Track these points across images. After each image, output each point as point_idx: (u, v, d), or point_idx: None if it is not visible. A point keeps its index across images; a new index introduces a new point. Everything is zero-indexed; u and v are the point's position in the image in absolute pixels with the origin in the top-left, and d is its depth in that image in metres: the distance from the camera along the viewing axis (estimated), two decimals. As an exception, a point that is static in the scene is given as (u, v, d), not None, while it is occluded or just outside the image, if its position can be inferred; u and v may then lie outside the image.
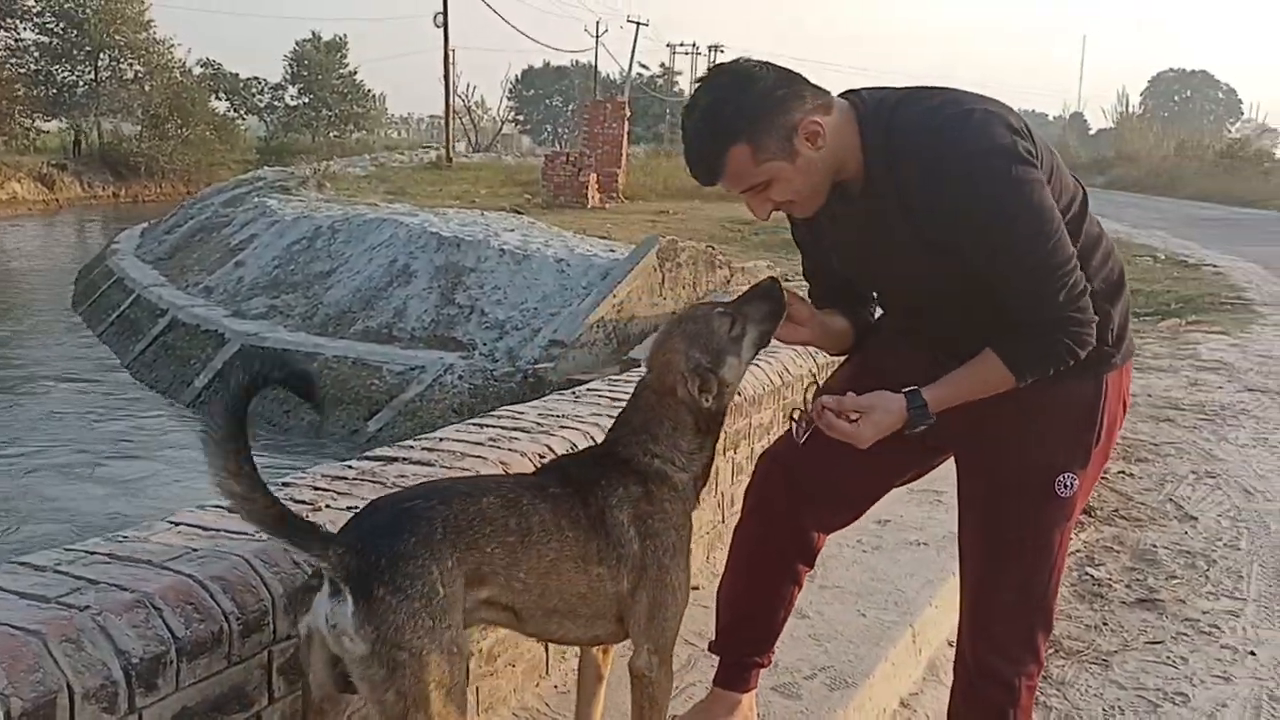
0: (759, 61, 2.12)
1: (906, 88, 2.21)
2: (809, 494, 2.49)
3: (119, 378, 14.85)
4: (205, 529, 2.16)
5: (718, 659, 2.71)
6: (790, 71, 2.12)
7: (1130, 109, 59.31)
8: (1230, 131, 64.94)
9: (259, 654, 1.98)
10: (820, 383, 2.56)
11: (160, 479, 10.62)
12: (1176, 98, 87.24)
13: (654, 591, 2.16)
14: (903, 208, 2.11)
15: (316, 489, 2.48)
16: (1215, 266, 15.97)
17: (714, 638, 2.74)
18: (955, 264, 2.13)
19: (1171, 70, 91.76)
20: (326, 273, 15.44)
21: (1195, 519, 5.01)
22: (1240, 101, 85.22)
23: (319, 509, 2.32)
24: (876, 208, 2.15)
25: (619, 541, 2.12)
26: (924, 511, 4.36)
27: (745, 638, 2.67)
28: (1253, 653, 3.66)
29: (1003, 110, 2.11)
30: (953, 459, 2.47)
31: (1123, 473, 5.68)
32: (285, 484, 2.51)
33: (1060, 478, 2.27)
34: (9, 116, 40.39)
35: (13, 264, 24.96)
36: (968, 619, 2.45)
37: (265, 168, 30.30)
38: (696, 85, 2.20)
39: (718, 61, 2.30)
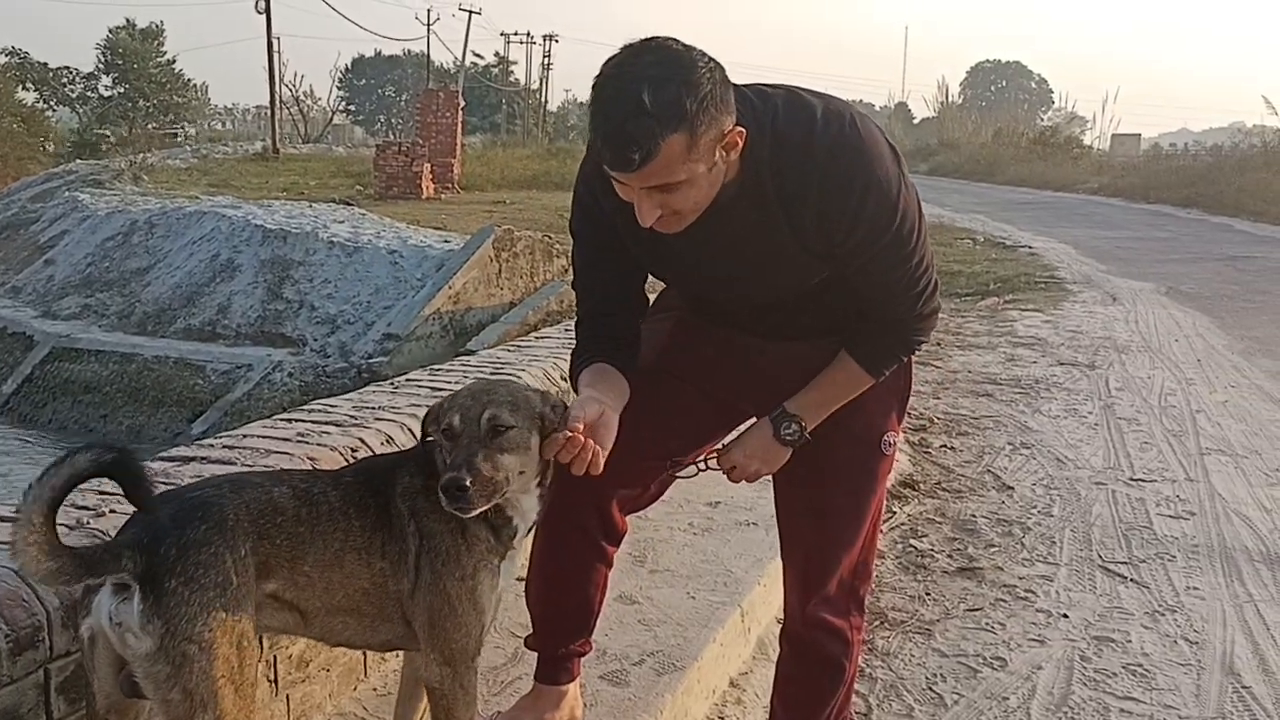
0: (696, 48, 1.93)
1: (775, 90, 2.10)
2: (610, 484, 2.42)
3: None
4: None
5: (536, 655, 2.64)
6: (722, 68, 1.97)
7: (950, 98, 61.65)
8: (1043, 119, 68.18)
9: (34, 673, 1.83)
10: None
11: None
12: (993, 87, 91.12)
13: (429, 597, 2.03)
14: (784, 218, 2.06)
15: (102, 494, 2.30)
16: (1030, 248, 16.73)
17: (529, 633, 2.66)
18: (826, 269, 2.13)
19: (988, 61, 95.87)
20: (144, 269, 14.79)
21: (1012, 489, 5.20)
22: (1051, 91, 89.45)
23: (102, 514, 2.16)
24: (747, 215, 2.08)
25: (400, 535, 2.02)
26: (754, 492, 4.36)
27: (560, 629, 2.60)
28: (1065, 615, 3.81)
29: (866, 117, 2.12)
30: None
31: (945, 446, 5.86)
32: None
33: (885, 437, 2.38)
34: None
35: None
36: (798, 582, 2.47)
37: (77, 161, 28.72)
38: (631, 52, 1.91)
39: (628, 42, 1.97)
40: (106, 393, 12.53)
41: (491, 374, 3.66)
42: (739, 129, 1.94)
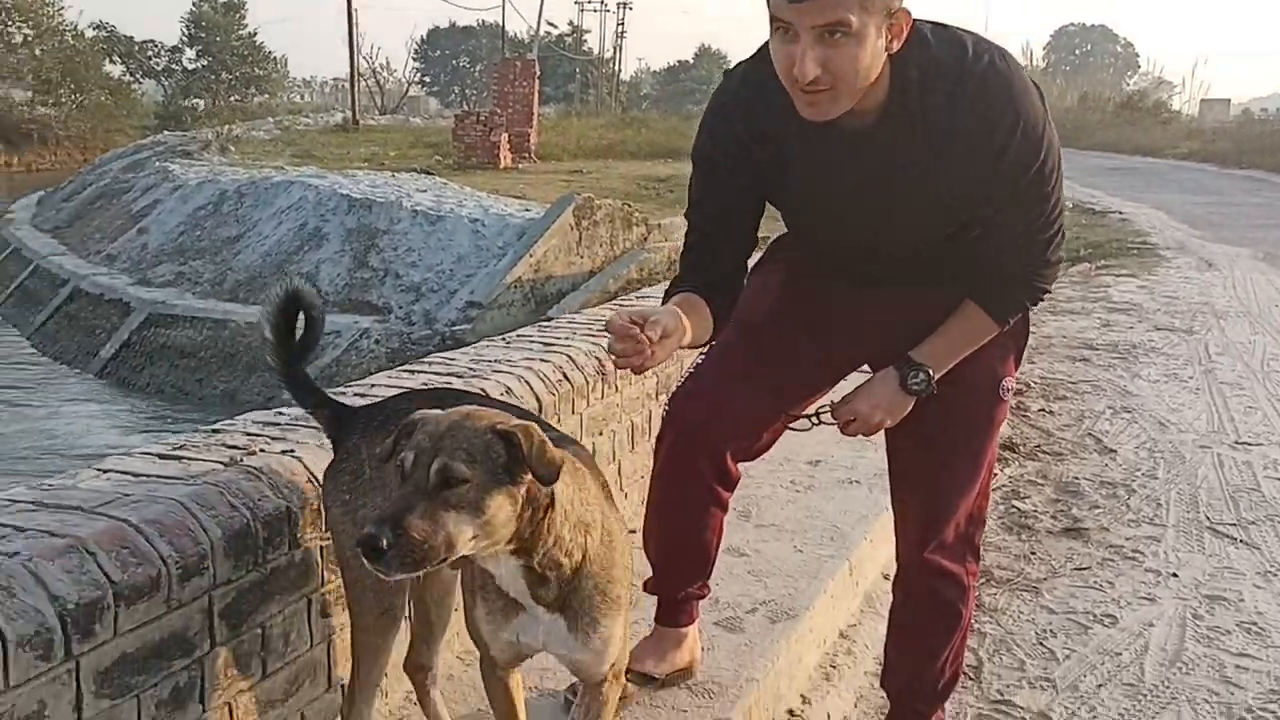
0: None
1: (921, 20, 2.07)
2: (719, 425, 2.46)
3: (19, 349, 14.37)
4: (136, 475, 2.07)
5: (656, 598, 2.70)
6: None
7: (1035, 63, 60.34)
8: (1129, 84, 66.50)
9: (199, 598, 1.91)
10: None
11: (71, 441, 10.35)
12: (1078, 51, 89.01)
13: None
14: (927, 147, 2.05)
15: (249, 434, 2.40)
16: (1121, 213, 16.39)
17: (648, 577, 2.72)
18: (963, 210, 2.13)
19: (1073, 25, 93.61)
20: (235, 238, 15.09)
21: (1114, 452, 5.14)
22: (1137, 55, 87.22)
23: (253, 453, 2.24)
24: (889, 143, 2.07)
25: None
26: (854, 451, 4.39)
27: (679, 572, 2.65)
28: (1175, 575, 3.78)
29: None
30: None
31: (1043, 410, 5.81)
32: (215, 430, 2.43)
33: (1003, 382, 2.38)
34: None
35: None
36: (913, 529, 2.47)
37: (165, 132, 29.35)
38: None
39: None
40: (201, 358, 12.85)
41: (598, 331, 3.70)
42: (907, 17, 1.95)
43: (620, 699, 2.51)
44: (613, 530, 1.89)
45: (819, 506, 3.87)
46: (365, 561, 1.57)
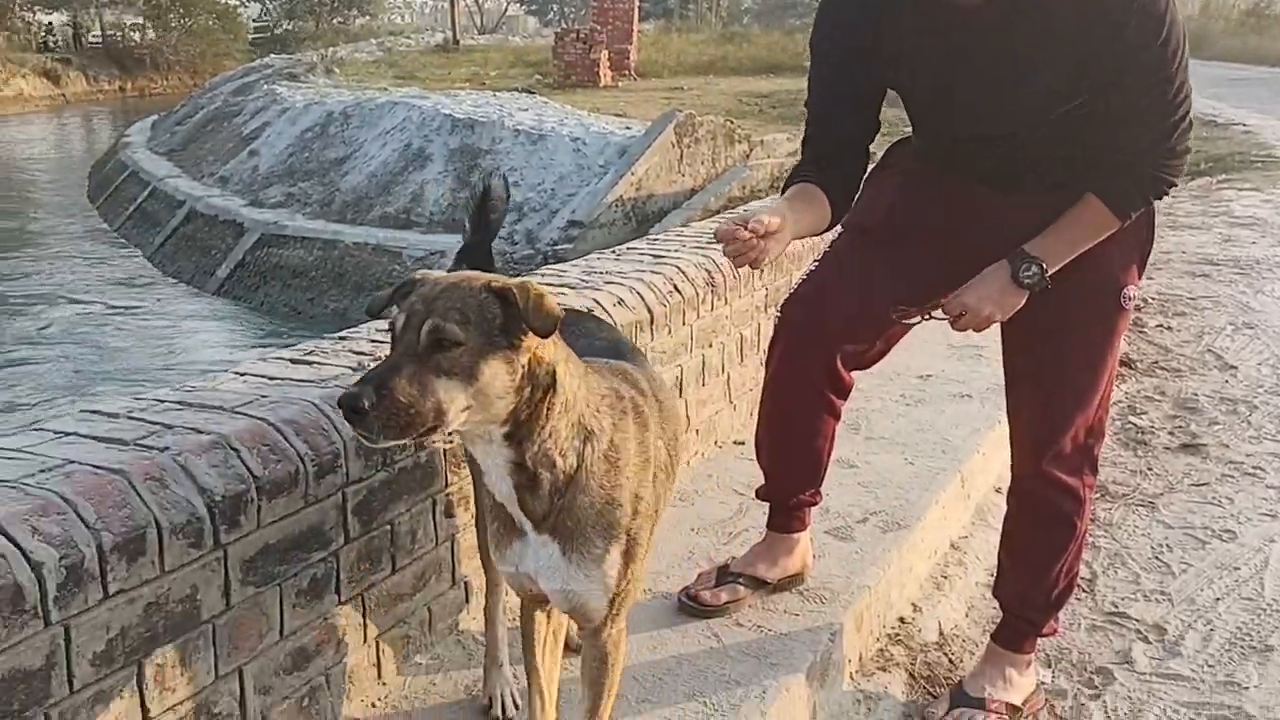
0: None
1: None
2: (833, 329, 2.46)
3: (140, 268, 14.90)
4: (271, 378, 2.16)
5: (768, 505, 2.73)
6: None
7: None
8: (1256, -10, 62.94)
9: (333, 495, 2.00)
10: None
11: (190, 356, 10.73)
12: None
13: None
14: (1042, 19, 2.02)
15: (373, 341, 2.48)
16: (1244, 126, 15.65)
17: (760, 484, 2.75)
18: (1079, 88, 2.07)
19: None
20: (341, 159, 15.32)
21: (1235, 368, 4.99)
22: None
23: (378, 359, 2.31)
24: (1001, 23, 2.05)
25: None
26: (966, 366, 4.35)
27: (791, 479, 2.67)
28: (1298, 492, 3.69)
29: None
30: None
31: (1161, 326, 5.65)
32: (342, 337, 2.51)
33: (1125, 290, 2.30)
34: (9, 10, 39.62)
35: (27, 160, 24.82)
36: (1029, 439, 2.43)
37: (272, 55, 29.77)
38: None
39: None
40: (312, 277, 13.16)
41: (707, 243, 3.70)
42: None
43: (730, 602, 2.57)
44: (624, 450, 1.73)
45: (930, 420, 3.84)
46: (348, 425, 1.48)
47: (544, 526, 1.69)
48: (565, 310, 2.10)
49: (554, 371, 1.60)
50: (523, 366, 1.55)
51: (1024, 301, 2.23)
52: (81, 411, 1.96)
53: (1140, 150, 2.13)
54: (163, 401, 1.99)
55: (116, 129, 25.85)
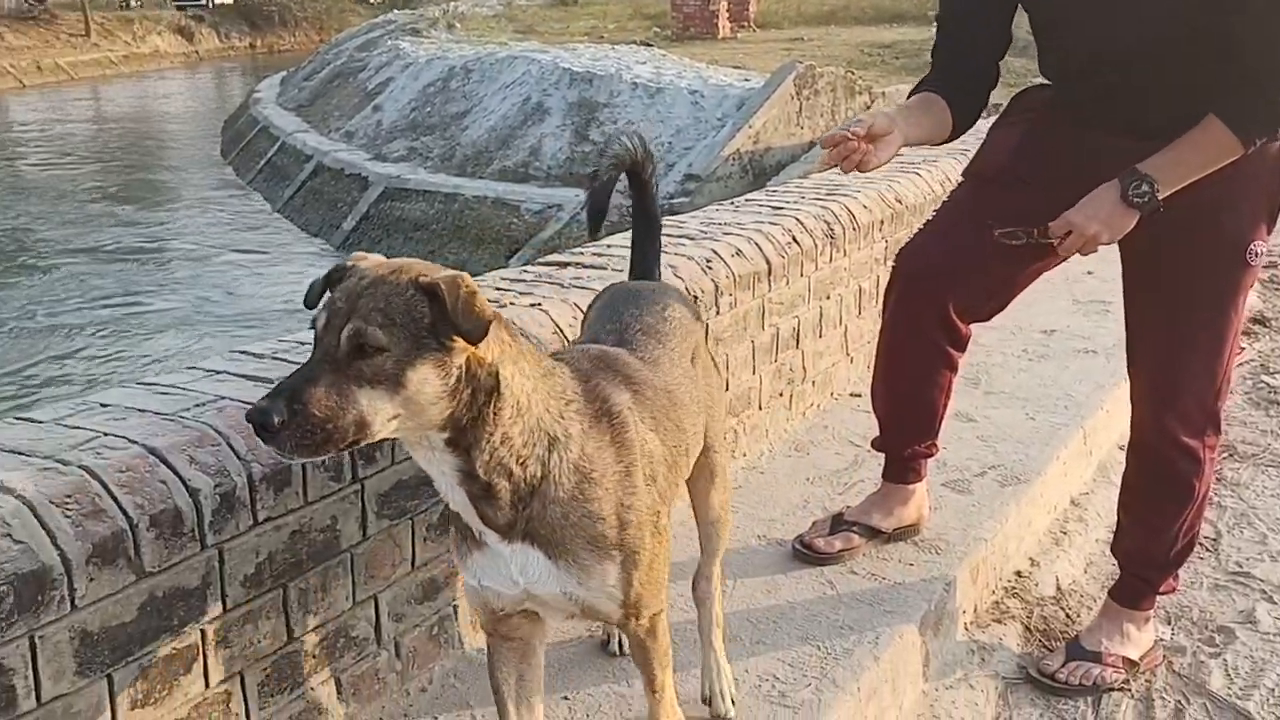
0: None
1: None
2: (945, 278, 2.45)
3: (270, 219, 15.40)
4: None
5: (883, 456, 2.74)
6: None
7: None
8: None
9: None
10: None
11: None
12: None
13: None
14: None
15: (498, 289, 2.55)
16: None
17: (876, 435, 2.76)
18: (1204, 4, 2.03)
19: None
20: (462, 113, 15.51)
21: (1379, 327, 4.79)
22: None
23: (504, 306, 2.39)
24: None
25: None
26: (1092, 321, 4.26)
27: (906, 430, 2.67)
28: None
29: None
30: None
31: (1299, 283, 5.44)
32: (468, 285, 2.58)
33: (1252, 245, 2.23)
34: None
35: (164, 116, 25.79)
36: (1150, 396, 2.39)
37: (394, 11, 30.22)
38: None
39: None
40: (433, 230, 13.41)
41: (826, 195, 3.69)
42: None
43: (844, 550, 2.60)
44: (599, 460, 1.55)
45: (1053, 375, 3.79)
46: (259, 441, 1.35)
47: (514, 535, 1.52)
48: (622, 286, 2.11)
49: (496, 373, 1.44)
50: (458, 369, 1.40)
51: (1133, 223, 2.14)
52: (230, 352, 2.07)
53: (1266, 71, 2.03)
54: (304, 344, 2.09)
55: (247, 85, 26.60)
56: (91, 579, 1.47)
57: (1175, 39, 2.10)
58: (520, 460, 1.48)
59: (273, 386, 1.34)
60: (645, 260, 2.23)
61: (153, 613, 1.57)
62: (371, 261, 1.44)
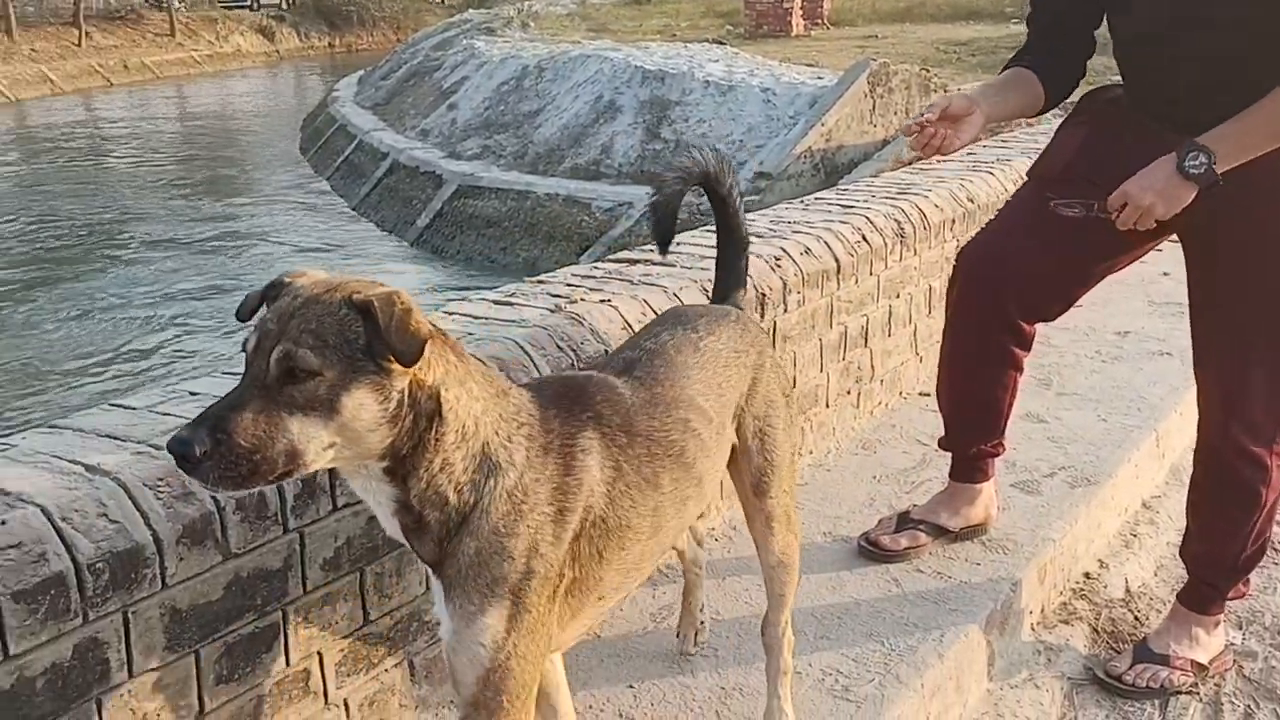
0: None
1: None
2: (1006, 277, 2.44)
3: (346, 216, 15.68)
4: (476, 317, 2.32)
5: (950, 455, 2.73)
6: None
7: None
8: None
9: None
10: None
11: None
12: None
13: None
14: None
15: (569, 285, 2.60)
16: None
17: (941, 435, 2.75)
18: None
19: None
20: (535, 112, 15.66)
21: None
22: None
23: (575, 301, 2.44)
24: None
25: None
26: (1167, 323, 4.20)
27: (971, 429, 2.67)
28: None
29: None
30: (1179, 245, 2.38)
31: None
32: (540, 281, 2.64)
33: None
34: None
35: (246, 114, 26.37)
36: (1216, 402, 2.37)
37: (470, 10, 30.56)
38: None
39: None
40: (505, 227, 13.58)
41: (897, 194, 3.69)
42: None
43: (910, 548, 2.60)
44: (533, 493, 1.43)
45: (1126, 377, 3.75)
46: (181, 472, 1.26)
47: (439, 571, 1.43)
48: (675, 309, 1.99)
49: (438, 395, 1.35)
50: (399, 393, 1.31)
51: (1190, 196, 2.10)
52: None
53: None
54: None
55: (326, 83, 27.10)
56: (181, 558, 1.54)
57: (1244, 20, 2.08)
58: (457, 488, 1.38)
59: (205, 411, 1.26)
60: (725, 281, 2.13)
61: (238, 592, 1.64)
62: (308, 279, 1.36)
